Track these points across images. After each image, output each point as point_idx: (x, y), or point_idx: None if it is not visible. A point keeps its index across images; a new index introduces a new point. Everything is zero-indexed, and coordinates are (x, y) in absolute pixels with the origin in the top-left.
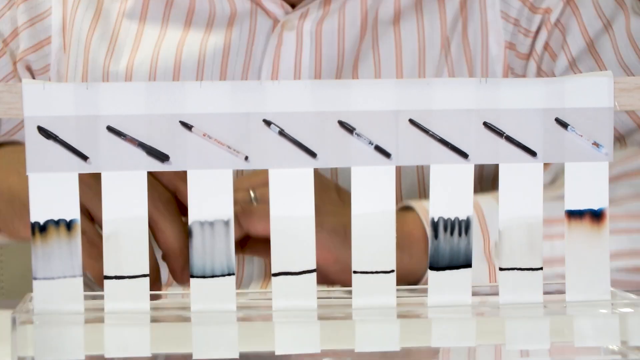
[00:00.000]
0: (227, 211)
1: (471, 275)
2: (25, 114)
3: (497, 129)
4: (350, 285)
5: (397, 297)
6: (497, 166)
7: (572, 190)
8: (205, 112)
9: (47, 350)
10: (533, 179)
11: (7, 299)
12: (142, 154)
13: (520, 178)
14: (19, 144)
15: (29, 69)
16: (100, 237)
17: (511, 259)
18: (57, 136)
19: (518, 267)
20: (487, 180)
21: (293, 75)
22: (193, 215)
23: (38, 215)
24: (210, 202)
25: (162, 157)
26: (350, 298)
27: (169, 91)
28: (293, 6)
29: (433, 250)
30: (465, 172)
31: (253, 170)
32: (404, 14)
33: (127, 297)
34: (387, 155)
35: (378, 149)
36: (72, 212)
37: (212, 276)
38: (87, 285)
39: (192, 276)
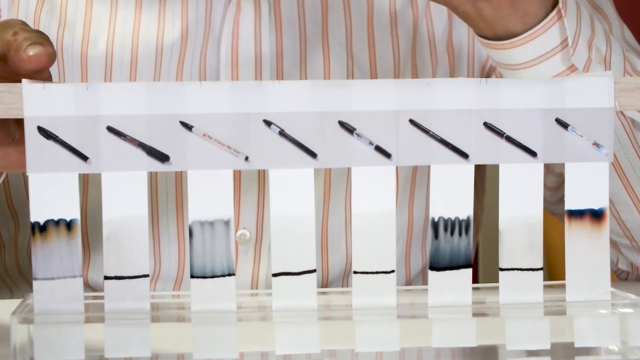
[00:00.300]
0: (227, 211)
1: (471, 275)
2: (25, 114)
3: (498, 129)
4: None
5: (397, 297)
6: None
7: (572, 190)
8: (205, 112)
9: (47, 350)
10: (533, 179)
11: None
12: (142, 154)
13: (520, 178)
14: None
15: None
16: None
17: (511, 259)
18: (57, 136)
19: (518, 267)
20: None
21: (253, 44)
22: (193, 215)
23: (38, 215)
24: (210, 202)
25: (163, 157)
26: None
27: (169, 91)
28: None
29: (433, 251)
30: (466, 172)
31: None
32: None
33: (127, 297)
34: (387, 155)
35: (378, 149)
36: (72, 212)
37: (212, 276)
38: None
39: (192, 276)
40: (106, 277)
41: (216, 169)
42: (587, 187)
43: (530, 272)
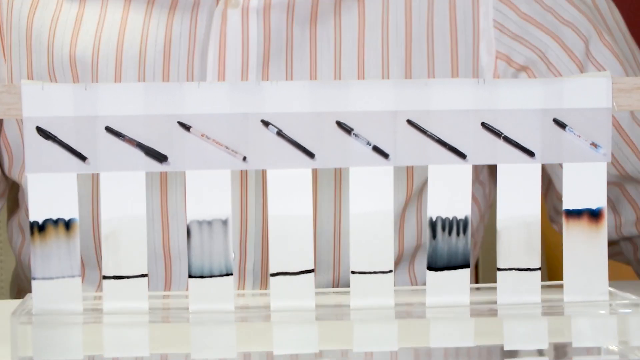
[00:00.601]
0: (225, 211)
1: (469, 275)
2: (24, 115)
3: (495, 129)
4: None
5: (395, 297)
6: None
7: (570, 190)
8: (203, 113)
9: (46, 350)
10: (531, 179)
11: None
12: (140, 154)
13: (518, 178)
14: None
15: None
16: None
17: (509, 259)
18: (56, 137)
19: (516, 267)
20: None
21: (241, 54)
22: (191, 215)
23: (37, 214)
24: (208, 201)
25: (161, 158)
26: (348, 298)
27: (167, 92)
28: None
29: (431, 251)
30: (463, 173)
31: None
32: None
33: (126, 297)
34: (385, 155)
35: (376, 149)
36: (71, 211)
37: (210, 276)
38: None
39: (191, 276)
40: (105, 277)
41: (214, 169)
42: (585, 187)
43: (529, 272)
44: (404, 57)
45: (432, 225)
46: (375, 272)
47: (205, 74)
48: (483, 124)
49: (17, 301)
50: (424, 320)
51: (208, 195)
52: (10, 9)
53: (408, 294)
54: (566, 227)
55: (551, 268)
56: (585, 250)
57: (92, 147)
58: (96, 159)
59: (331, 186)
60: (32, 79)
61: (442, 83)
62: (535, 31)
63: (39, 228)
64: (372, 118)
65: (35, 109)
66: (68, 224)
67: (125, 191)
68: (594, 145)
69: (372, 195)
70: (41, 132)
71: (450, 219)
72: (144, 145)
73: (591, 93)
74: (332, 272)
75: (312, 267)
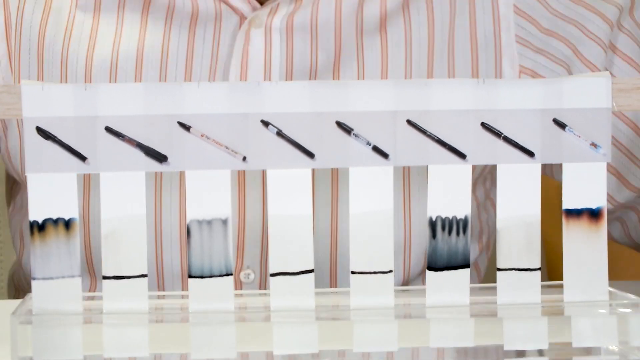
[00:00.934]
0: (225, 210)
1: (469, 275)
2: (24, 115)
3: (495, 129)
4: None
5: (395, 297)
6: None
7: (570, 190)
8: (203, 113)
9: (46, 350)
10: (531, 179)
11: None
12: (140, 154)
13: (518, 178)
14: None
15: None
16: None
17: (509, 259)
18: (56, 137)
19: (516, 267)
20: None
21: (263, 75)
22: (191, 214)
23: (36, 214)
24: (208, 201)
25: (161, 158)
26: (348, 298)
27: (167, 92)
28: (261, 3)
29: (431, 251)
30: (463, 173)
31: None
32: (391, 17)
33: (126, 297)
34: (385, 155)
35: (376, 149)
36: (71, 211)
37: (210, 276)
38: None
39: (191, 276)
40: (105, 277)
41: (214, 169)
42: (585, 187)
43: (529, 272)
44: (426, 75)
45: (432, 225)
46: (375, 272)
47: None
48: (483, 124)
49: (17, 301)
50: (424, 320)
51: (208, 195)
52: (20, 16)
53: (408, 294)
54: (566, 227)
55: (551, 268)
56: (585, 250)
57: (92, 147)
58: (96, 159)
59: (328, 187)
60: None
61: (442, 83)
62: (559, 44)
63: (39, 228)
64: (372, 118)
65: (35, 109)
66: (68, 224)
67: (125, 191)
68: (593, 145)
69: (372, 195)
70: (41, 132)
71: (450, 218)
72: (144, 145)
73: (591, 93)
74: (330, 273)
75: (312, 267)
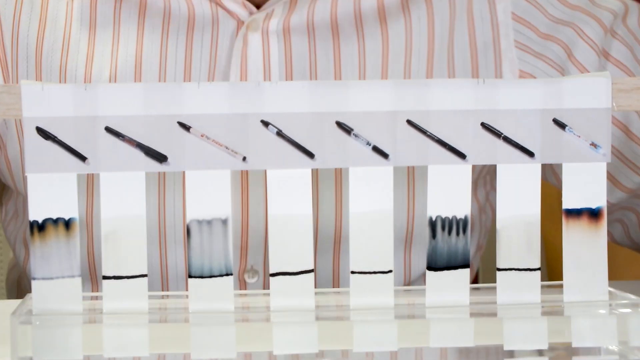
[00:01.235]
0: (225, 210)
1: (469, 275)
2: (24, 115)
3: (495, 129)
4: None
5: (395, 297)
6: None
7: (569, 190)
8: (203, 113)
9: (45, 350)
10: (531, 179)
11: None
12: (140, 154)
13: (518, 178)
14: None
15: None
16: None
17: (509, 259)
18: (56, 137)
19: (516, 267)
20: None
21: (263, 78)
22: (191, 214)
23: (36, 214)
24: (208, 201)
25: (161, 158)
26: (348, 298)
27: (167, 92)
28: (258, 7)
29: (431, 251)
30: (463, 173)
31: None
32: (391, 18)
33: (126, 297)
34: (384, 156)
35: (376, 149)
36: (71, 211)
37: (210, 276)
38: None
39: (190, 276)
40: (105, 277)
41: (214, 169)
42: (584, 187)
43: (529, 272)
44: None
45: (432, 225)
46: (375, 272)
47: None
48: (483, 124)
49: (17, 301)
50: (424, 320)
51: (208, 195)
52: (17, 26)
53: (408, 294)
54: (566, 227)
55: (551, 268)
56: (585, 250)
57: (92, 147)
58: (96, 159)
59: (332, 186)
60: None
61: (442, 83)
62: (557, 48)
63: (39, 228)
64: (372, 118)
65: (35, 109)
66: (68, 224)
67: (125, 191)
68: (593, 145)
69: (372, 195)
70: (41, 132)
71: (450, 217)
72: (144, 145)
73: (591, 93)
74: (332, 272)
75: (312, 267)
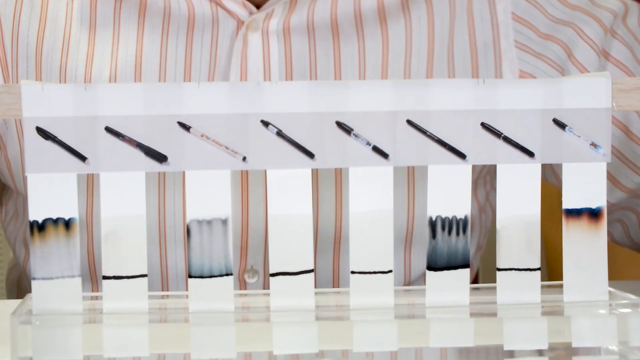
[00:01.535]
0: (225, 210)
1: (469, 275)
2: (24, 115)
3: (495, 129)
4: None
5: (395, 297)
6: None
7: (569, 190)
8: (203, 113)
9: (45, 350)
10: (531, 179)
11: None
12: (140, 154)
13: (518, 178)
14: None
15: None
16: None
17: (509, 259)
18: (56, 137)
19: (516, 267)
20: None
21: (263, 78)
22: (191, 214)
23: (36, 214)
24: (208, 201)
25: (161, 158)
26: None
27: (167, 92)
28: (258, 7)
29: (431, 251)
30: (463, 173)
31: None
32: (391, 18)
33: (126, 297)
34: (384, 156)
35: (376, 149)
36: (71, 211)
37: (210, 276)
38: None
39: (190, 276)
40: (105, 277)
41: (214, 169)
42: (584, 187)
43: (529, 272)
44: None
45: (432, 225)
46: (375, 272)
47: None
48: (483, 124)
49: (17, 301)
50: (424, 320)
51: (208, 195)
52: (17, 26)
53: (408, 294)
54: (566, 227)
55: (551, 268)
56: (585, 250)
57: (92, 147)
58: (96, 159)
59: (332, 186)
60: None
61: (442, 83)
62: (557, 48)
63: (39, 228)
64: (372, 118)
65: (35, 109)
66: (68, 224)
67: (125, 191)
68: (593, 145)
69: (372, 195)
70: (41, 132)
71: (450, 218)
72: (144, 145)
73: (591, 93)
74: (332, 272)
75: (312, 267)
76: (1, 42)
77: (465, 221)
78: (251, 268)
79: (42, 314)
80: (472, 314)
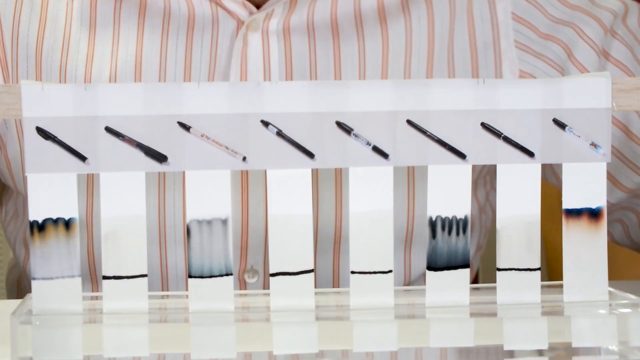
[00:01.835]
0: (225, 210)
1: (469, 275)
2: (24, 115)
3: (495, 129)
4: None
5: (395, 297)
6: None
7: (569, 190)
8: (203, 113)
9: (45, 350)
10: (531, 179)
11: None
12: (140, 154)
13: (518, 178)
14: None
15: None
16: None
17: (509, 259)
18: (56, 137)
19: (516, 267)
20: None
21: (263, 78)
22: (191, 214)
23: (36, 214)
24: (208, 201)
25: (161, 158)
26: (348, 298)
27: (167, 92)
28: (258, 7)
29: (431, 251)
30: (463, 173)
31: None
32: (391, 18)
33: (126, 297)
34: (384, 156)
35: (376, 149)
36: (71, 211)
37: (210, 276)
38: None
39: (190, 276)
40: (105, 277)
41: (214, 169)
42: (584, 187)
43: (529, 272)
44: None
45: (432, 225)
46: (375, 272)
47: None
48: (483, 124)
49: (17, 301)
50: (424, 320)
51: (208, 195)
52: (17, 26)
53: (408, 294)
54: (566, 227)
55: (551, 268)
56: (585, 250)
57: (92, 147)
58: (96, 159)
59: (332, 186)
60: None
61: (442, 83)
62: (557, 48)
63: (39, 228)
64: (372, 118)
65: (35, 109)
66: (68, 224)
67: (125, 191)
68: (593, 145)
69: (372, 195)
70: (41, 132)
71: (450, 218)
72: (144, 145)
73: (591, 93)
74: (332, 272)
75: (312, 267)
76: (1, 42)
77: (465, 221)
78: (251, 268)
79: (42, 314)
80: (472, 314)
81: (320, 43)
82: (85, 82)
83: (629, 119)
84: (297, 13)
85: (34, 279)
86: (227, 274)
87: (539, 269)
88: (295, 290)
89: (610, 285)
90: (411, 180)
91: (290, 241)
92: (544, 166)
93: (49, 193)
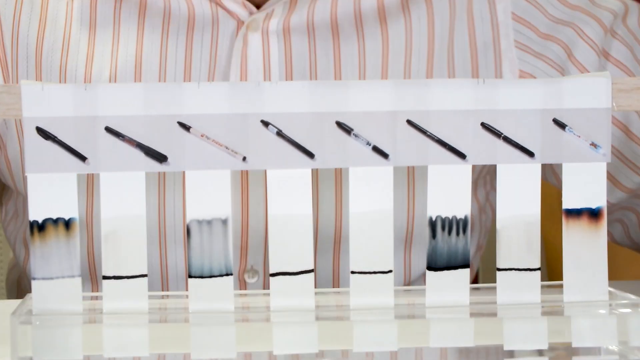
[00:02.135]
0: (225, 210)
1: (469, 275)
2: (24, 115)
3: (495, 129)
4: None
5: (395, 297)
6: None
7: (569, 190)
8: (203, 113)
9: (45, 350)
10: (531, 179)
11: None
12: (140, 154)
13: (518, 178)
14: None
15: None
16: None
17: (509, 259)
18: (56, 137)
19: (516, 267)
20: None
21: (263, 79)
22: (191, 214)
23: (36, 214)
24: (208, 201)
25: (161, 158)
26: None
27: (167, 92)
28: (258, 7)
29: (431, 251)
30: (463, 173)
31: None
32: (391, 18)
33: (126, 297)
34: (384, 156)
35: (376, 149)
36: (71, 211)
37: (210, 276)
38: None
39: (190, 276)
40: (105, 277)
41: (214, 169)
42: (584, 187)
43: (529, 272)
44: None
45: (432, 225)
46: (375, 272)
47: None
48: (483, 124)
49: (17, 301)
50: (424, 320)
51: (208, 195)
52: (17, 26)
53: (408, 294)
54: (566, 227)
55: (551, 268)
56: (585, 250)
57: (92, 147)
58: (96, 159)
59: (332, 186)
60: None
61: (442, 83)
62: (557, 48)
63: (39, 228)
64: (372, 118)
65: (35, 109)
66: (68, 224)
67: (125, 191)
68: (593, 145)
69: (372, 195)
70: (41, 132)
71: (450, 218)
72: (144, 145)
73: (591, 93)
74: (332, 272)
75: (312, 267)
76: (1, 42)
77: (465, 221)
78: (251, 268)
79: (42, 314)
80: (472, 314)
81: (320, 43)
82: (85, 82)
83: (629, 119)
84: (297, 13)
85: (34, 279)
86: (227, 274)
87: (539, 269)
88: (295, 290)
89: (610, 285)
90: (411, 180)
91: (290, 241)
92: (544, 166)
93: (49, 193)
